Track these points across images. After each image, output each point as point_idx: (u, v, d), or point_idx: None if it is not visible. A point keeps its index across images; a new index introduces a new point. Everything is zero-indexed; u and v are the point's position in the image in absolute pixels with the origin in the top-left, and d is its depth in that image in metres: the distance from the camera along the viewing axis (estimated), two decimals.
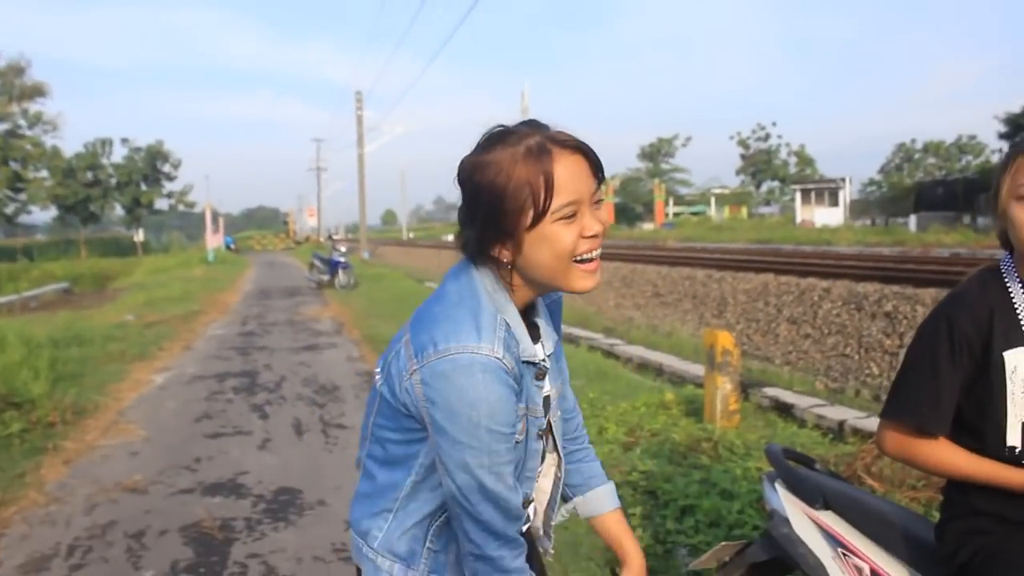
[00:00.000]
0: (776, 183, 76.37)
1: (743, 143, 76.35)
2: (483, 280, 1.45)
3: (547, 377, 1.54)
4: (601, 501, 1.79)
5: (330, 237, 31.62)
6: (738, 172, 77.58)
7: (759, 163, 75.55)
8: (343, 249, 22.70)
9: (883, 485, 4.10)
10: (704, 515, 3.97)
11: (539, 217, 1.36)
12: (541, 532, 1.74)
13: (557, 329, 1.64)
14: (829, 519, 2.12)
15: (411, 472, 1.52)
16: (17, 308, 14.62)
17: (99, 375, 9.13)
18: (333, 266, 21.73)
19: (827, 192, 48.72)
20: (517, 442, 1.45)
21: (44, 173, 56.84)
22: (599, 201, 1.43)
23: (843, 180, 48.73)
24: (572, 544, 3.79)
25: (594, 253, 1.43)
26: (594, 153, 1.43)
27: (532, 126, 1.42)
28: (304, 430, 6.66)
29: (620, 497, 1.85)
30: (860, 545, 2.01)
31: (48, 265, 45.16)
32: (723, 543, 2.46)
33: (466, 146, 1.46)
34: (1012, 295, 1.70)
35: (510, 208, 1.37)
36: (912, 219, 37.59)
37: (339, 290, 20.80)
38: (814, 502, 2.15)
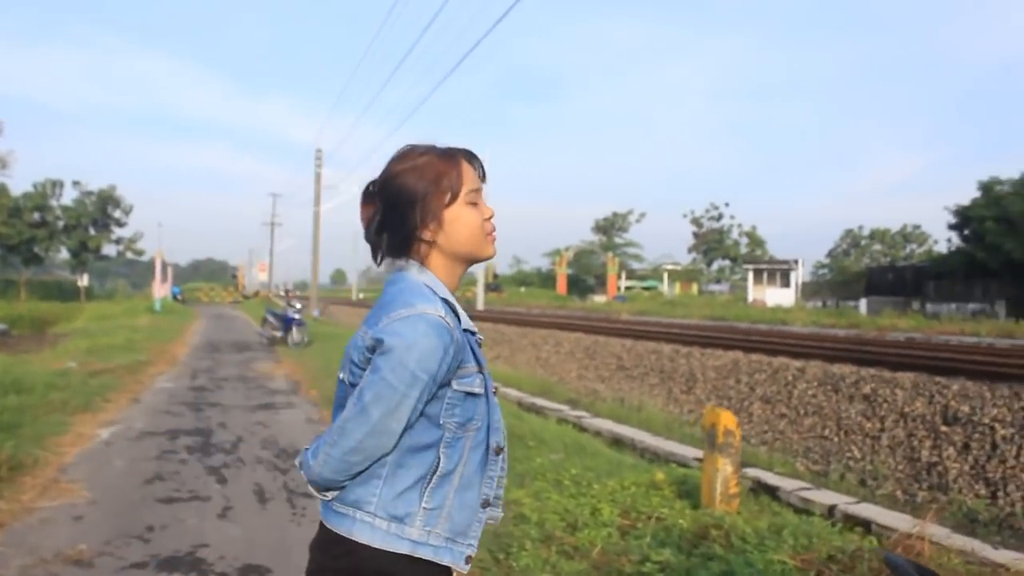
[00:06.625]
0: (727, 262, 77.53)
1: (696, 221, 77.62)
2: (416, 275, 1.77)
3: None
4: None
5: (286, 292, 30.78)
6: (690, 249, 78.76)
7: (711, 242, 76.74)
8: (298, 306, 21.97)
9: None
10: None
11: (454, 199, 1.77)
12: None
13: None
14: None
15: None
16: None
17: (38, 426, 8.44)
18: (287, 322, 21.03)
19: (779, 273, 49.49)
20: (475, 395, 1.73)
21: None
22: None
23: (795, 262, 49.59)
24: None
25: (492, 229, 1.85)
26: (479, 160, 1.87)
27: (427, 145, 1.83)
28: (268, 498, 6.11)
29: None
30: None
31: None
32: None
33: None
34: None
35: (434, 192, 1.75)
36: (863, 302, 38.27)
37: (291, 347, 20.08)
38: None
